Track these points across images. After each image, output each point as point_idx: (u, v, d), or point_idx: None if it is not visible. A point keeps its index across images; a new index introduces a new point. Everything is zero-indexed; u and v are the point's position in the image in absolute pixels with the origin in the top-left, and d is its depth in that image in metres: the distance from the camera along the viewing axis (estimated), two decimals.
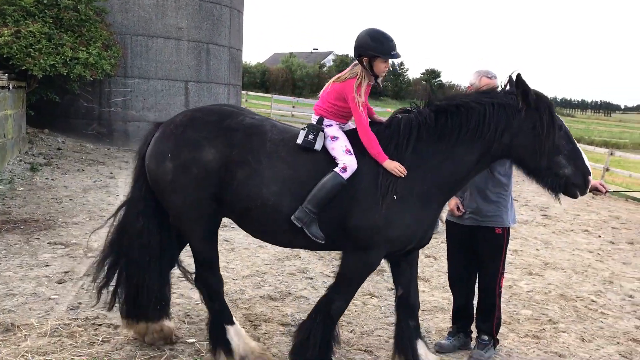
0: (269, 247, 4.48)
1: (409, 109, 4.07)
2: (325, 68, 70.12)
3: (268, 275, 6.46)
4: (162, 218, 4.21)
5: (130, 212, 4.25)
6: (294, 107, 31.65)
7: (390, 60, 4.00)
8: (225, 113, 4.08)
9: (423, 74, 79.11)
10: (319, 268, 6.84)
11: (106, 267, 4.31)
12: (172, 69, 15.95)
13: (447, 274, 5.29)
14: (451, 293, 5.15)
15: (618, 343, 5.40)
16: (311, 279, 6.45)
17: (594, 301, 6.60)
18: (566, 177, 3.84)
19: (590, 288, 7.09)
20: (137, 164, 4.24)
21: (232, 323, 4.23)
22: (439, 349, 4.85)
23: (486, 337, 4.81)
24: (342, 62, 69.50)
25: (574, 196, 3.93)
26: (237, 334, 4.20)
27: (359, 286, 4.14)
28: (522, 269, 7.61)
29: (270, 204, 3.82)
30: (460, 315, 5.03)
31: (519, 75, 3.78)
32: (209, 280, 4.18)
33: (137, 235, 4.16)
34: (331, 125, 4.01)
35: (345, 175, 3.76)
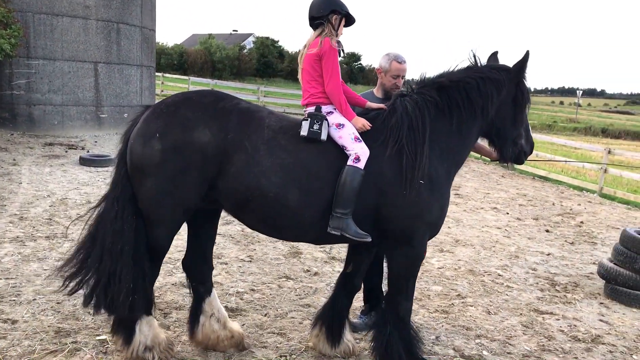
0: (180, 233, 4.28)
1: (405, 92, 4.08)
2: (246, 50, 69.22)
3: (180, 262, 6.29)
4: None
5: (108, 198, 3.90)
6: (212, 89, 30.84)
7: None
8: (220, 95, 3.90)
9: (344, 57, 79.55)
10: (234, 253, 6.74)
11: (80, 256, 3.91)
12: (79, 49, 15.14)
13: None
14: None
15: (521, 314, 5.67)
16: (226, 264, 6.35)
17: (500, 275, 6.90)
18: (521, 146, 4.14)
19: (497, 263, 7.41)
20: (121, 148, 3.88)
21: (148, 314, 4.01)
22: (352, 329, 4.90)
23: None
24: (262, 44, 68.85)
25: (522, 163, 4.27)
26: (149, 325, 4.02)
27: (415, 279, 4.05)
28: (434, 247, 7.84)
29: (271, 195, 3.64)
30: (372, 295, 5.10)
31: (494, 53, 4.16)
32: (149, 271, 3.90)
33: (111, 222, 3.79)
34: (332, 112, 3.92)
35: (361, 165, 3.66)
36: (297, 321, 5.00)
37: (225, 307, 5.04)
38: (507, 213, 10.84)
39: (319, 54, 3.89)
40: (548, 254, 8.11)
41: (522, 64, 3.99)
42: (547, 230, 9.68)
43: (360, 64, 79.63)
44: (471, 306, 5.76)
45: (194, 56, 61.53)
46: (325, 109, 3.93)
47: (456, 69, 4.05)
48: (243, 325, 4.77)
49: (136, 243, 3.77)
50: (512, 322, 5.45)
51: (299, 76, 4.10)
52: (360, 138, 3.77)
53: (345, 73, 75.49)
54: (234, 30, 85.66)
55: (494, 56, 4.16)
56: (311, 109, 3.93)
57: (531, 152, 4.21)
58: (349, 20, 4.08)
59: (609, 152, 14.93)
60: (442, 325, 5.19)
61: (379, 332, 4.08)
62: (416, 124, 3.82)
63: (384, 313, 4.08)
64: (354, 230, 3.66)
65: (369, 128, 3.87)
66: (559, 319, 5.63)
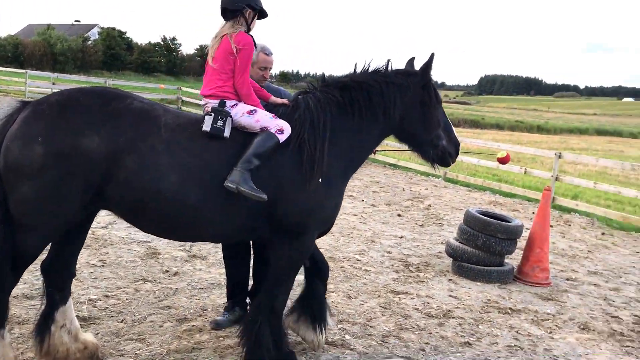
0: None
1: (308, 90, 4.08)
2: (90, 42, 65.02)
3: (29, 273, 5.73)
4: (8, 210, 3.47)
5: None
6: (54, 83, 28.56)
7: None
8: (109, 95, 3.61)
9: (197, 49, 77.82)
10: (84, 258, 6.27)
11: None
12: None
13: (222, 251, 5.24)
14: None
15: (379, 296, 5.92)
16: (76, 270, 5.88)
17: (358, 260, 7.15)
18: (443, 148, 4.15)
19: (355, 248, 7.68)
20: None
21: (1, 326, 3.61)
22: (215, 327, 4.79)
23: None
24: (108, 36, 65.11)
25: (448, 165, 4.27)
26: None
27: (296, 274, 4.04)
28: None
29: (169, 195, 3.49)
30: (237, 290, 5.02)
31: (411, 59, 4.14)
32: (9, 279, 3.53)
33: None
34: (237, 104, 3.82)
35: (282, 137, 3.68)
36: (157, 325, 4.77)
37: (77, 316, 4.67)
38: (363, 200, 11.28)
39: (236, 47, 3.81)
40: (401, 237, 8.56)
41: (426, 66, 4.06)
42: (399, 215, 10.22)
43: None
44: (333, 292, 5.89)
45: (31, 48, 56.50)
46: (229, 102, 3.84)
47: (362, 72, 4.09)
48: (97, 334, 4.46)
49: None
50: (371, 304, 5.67)
51: (209, 64, 3.95)
52: (278, 117, 3.80)
53: (199, 66, 73.95)
54: (76, 21, 79.95)
55: (410, 62, 4.21)
56: (214, 102, 3.82)
57: (457, 153, 4.26)
58: (262, 15, 4.06)
59: None
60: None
61: (249, 325, 4.00)
62: (317, 121, 3.84)
63: (257, 305, 4.02)
64: (250, 185, 3.55)
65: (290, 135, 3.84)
66: (413, 298, 5.96)
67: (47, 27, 62.24)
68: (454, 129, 4.26)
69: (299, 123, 3.84)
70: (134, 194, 3.49)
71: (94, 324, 4.70)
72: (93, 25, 75.24)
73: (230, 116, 3.74)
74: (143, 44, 71.01)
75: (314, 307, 4.46)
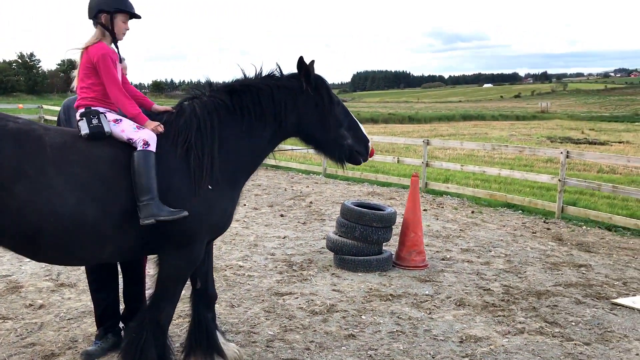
0: None
1: (192, 95, 3.93)
2: None
3: None
4: None
5: None
6: None
7: (128, 22, 3.84)
8: None
9: (59, 64, 73.32)
10: None
11: None
12: None
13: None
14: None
15: (263, 300, 5.82)
16: None
17: (241, 266, 7.01)
18: (350, 147, 4.08)
19: (237, 255, 7.52)
20: None
21: None
22: (87, 358, 4.45)
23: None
24: None
25: (358, 163, 4.18)
26: None
27: (184, 285, 3.87)
28: None
29: (67, 217, 3.28)
30: (107, 316, 4.70)
31: (300, 59, 3.91)
32: None
33: None
34: (104, 112, 3.66)
35: (152, 148, 3.51)
36: None
37: None
38: (245, 204, 11.12)
39: (92, 61, 3.65)
40: (284, 237, 8.53)
41: (306, 70, 3.93)
42: (282, 215, 10.20)
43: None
44: (215, 303, 5.70)
45: None
46: (100, 109, 3.64)
47: (253, 76, 3.99)
48: None
49: None
50: (255, 310, 5.56)
51: (75, 77, 3.80)
52: (142, 127, 3.63)
53: (63, 82, 69.65)
54: None
55: (311, 65, 4.01)
56: (80, 111, 3.68)
57: (367, 150, 4.16)
58: (132, 15, 3.81)
59: None
60: (186, 331, 5.03)
61: (133, 341, 3.76)
62: (204, 126, 3.70)
63: (142, 318, 3.80)
64: (166, 210, 3.44)
65: (162, 130, 3.69)
66: (297, 297, 5.93)
67: None
68: (362, 126, 4.19)
69: (185, 129, 3.71)
70: (30, 221, 3.24)
71: None
72: None
73: (102, 113, 3.64)
74: None
75: (205, 336, 4.27)
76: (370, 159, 4.27)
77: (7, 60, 66.17)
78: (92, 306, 5.46)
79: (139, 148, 3.52)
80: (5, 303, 5.64)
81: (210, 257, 4.35)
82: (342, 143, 4.07)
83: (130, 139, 3.57)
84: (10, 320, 5.23)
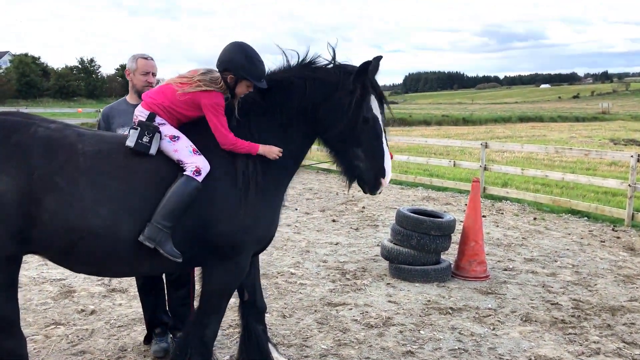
0: None
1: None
2: (2, 70, 61.92)
3: None
4: None
5: None
6: None
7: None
8: (10, 126, 3.12)
9: (118, 69, 75.58)
10: None
11: None
12: None
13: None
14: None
15: (315, 311, 5.59)
16: None
17: (293, 274, 6.80)
18: (360, 170, 3.58)
19: (289, 261, 7.32)
20: None
21: None
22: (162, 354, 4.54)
23: None
24: (21, 63, 62.19)
25: (363, 190, 3.69)
26: None
27: (228, 301, 3.69)
28: None
29: (101, 231, 3.12)
30: (157, 321, 4.65)
31: (365, 64, 3.39)
32: (7, 345, 3.12)
33: None
34: (164, 123, 3.41)
35: (200, 179, 3.28)
36: None
37: None
38: (296, 209, 10.95)
39: (197, 101, 3.40)
40: (336, 244, 8.28)
41: (366, 67, 3.39)
42: (334, 220, 9.96)
43: None
44: (266, 313, 5.50)
45: None
46: (159, 119, 3.40)
47: (292, 66, 3.58)
48: None
49: None
50: (307, 321, 5.33)
51: (170, 83, 3.50)
52: (199, 151, 3.37)
53: (121, 86, 71.82)
54: None
55: (375, 65, 3.55)
56: (144, 113, 3.40)
57: (376, 182, 3.58)
58: (257, 82, 3.43)
59: None
60: (236, 342, 4.85)
61: (177, 358, 3.64)
62: (243, 132, 3.46)
63: (186, 337, 3.66)
64: (170, 247, 3.23)
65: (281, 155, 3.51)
66: (351, 309, 5.66)
67: None
68: (387, 157, 3.58)
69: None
70: (61, 234, 3.10)
71: None
72: (3, 53, 71.77)
73: (159, 132, 3.35)
74: (59, 69, 68.28)
75: (257, 354, 4.08)
76: (378, 192, 3.67)
77: (69, 66, 68.65)
78: (142, 313, 5.43)
79: (187, 172, 3.29)
80: (58, 308, 5.62)
81: (256, 269, 4.14)
82: (353, 162, 3.59)
83: (181, 161, 3.34)
84: (62, 326, 5.18)
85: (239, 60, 3.38)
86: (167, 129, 3.41)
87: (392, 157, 3.77)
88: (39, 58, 66.96)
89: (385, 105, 3.63)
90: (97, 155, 3.23)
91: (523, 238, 8.87)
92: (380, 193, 3.69)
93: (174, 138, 3.38)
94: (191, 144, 3.40)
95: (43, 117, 3.43)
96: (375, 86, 3.55)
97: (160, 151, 3.36)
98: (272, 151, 3.49)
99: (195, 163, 3.31)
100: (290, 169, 3.72)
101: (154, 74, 4.51)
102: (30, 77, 61.41)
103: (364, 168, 3.57)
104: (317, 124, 3.57)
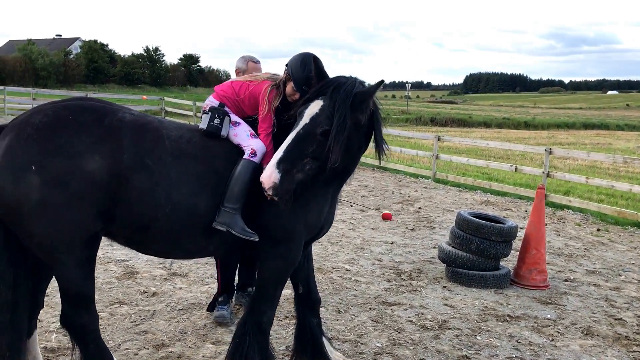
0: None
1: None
2: (72, 55, 64.40)
3: None
4: (15, 252, 3.26)
5: None
6: (34, 99, 27.99)
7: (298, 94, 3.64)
8: (100, 110, 3.31)
9: (181, 59, 77.33)
10: (56, 282, 5.91)
11: None
12: None
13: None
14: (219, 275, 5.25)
15: (370, 309, 5.60)
16: (46, 295, 5.51)
17: (348, 270, 6.82)
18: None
19: (344, 257, 7.35)
20: None
21: None
22: (221, 320, 5.04)
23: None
24: (90, 49, 64.51)
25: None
26: None
27: (284, 286, 3.81)
28: None
29: (182, 207, 3.34)
30: (230, 286, 5.25)
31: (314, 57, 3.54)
32: (82, 320, 3.33)
33: None
34: (229, 112, 3.71)
35: (257, 160, 3.50)
36: (132, 352, 4.43)
37: (45, 347, 4.34)
38: (351, 205, 10.97)
39: (256, 94, 3.71)
40: (392, 243, 8.25)
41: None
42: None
43: (199, 66, 77.96)
44: (321, 307, 5.54)
45: (12, 64, 55.81)
46: (227, 109, 3.70)
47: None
48: None
49: (16, 303, 3.26)
50: (362, 318, 5.34)
51: (240, 78, 3.92)
52: (256, 135, 3.61)
53: (184, 76, 73.49)
54: (57, 35, 79.37)
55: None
56: (215, 102, 3.73)
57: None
58: (295, 85, 3.65)
59: (439, 139, 15.84)
60: (292, 333, 4.91)
61: (237, 346, 3.74)
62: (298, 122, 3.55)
63: (244, 322, 3.77)
64: (240, 227, 3.43)
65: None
66: (407, 309, 5.64)
67: (28, 43, 61.48)
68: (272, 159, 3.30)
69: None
70: (146, 212, 3.28)
71: (64, 355, 4.34)
72: (75, 39, 74.66)
73: (229, 115, 3.63)
74: (126, 56, 70.43)
75: (311, 344, 4.19)
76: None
77: (135, 54, 70.72)
78: (202, 298, 5.63)
79: (245, 156, 3.51)
80: (122, 288, 5.84)
81: (310, 262, 4.25)
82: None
83: (240, 145, 3.59)
84: (126, 305, 5.39)
85: (293, 61, 3.65)
86: (232, 116, 3.69)
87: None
88: (107, 45, 69.24)
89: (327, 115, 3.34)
90: (180, 139, 3.46)
91: (585, 249, 8.59)
92: (271, 195, 3.26)
93: (235, 124, 3.66)
94: (249, 128, 3.65)
95: (124, 105, 3.62)
96: (320, 88, 3.43)
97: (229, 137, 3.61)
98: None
99: (251, 145, 3.54)
100: (343, 163, 3.58)
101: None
102: (98, 62, 63.53)
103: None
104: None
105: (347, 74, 3.58)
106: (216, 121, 3.56)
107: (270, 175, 3.19)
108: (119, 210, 3.24)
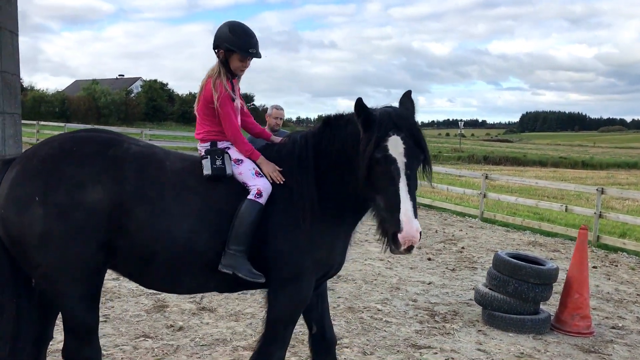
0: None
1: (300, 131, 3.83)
2: (133, 94, 67.27)
3: None
4: (21, 284, 3.31)
5: None
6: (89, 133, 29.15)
7: (249, 60, 3.69)
8: (105, 141, 3.37)
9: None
10: None
11: None
12: None
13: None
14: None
15: (398, 351, 5.38)
16: None
17: (379, 310, 6.62)
18: (379, 222, 3.26)
19: (377, 297, 7.15)
20: None
21: None
22: None
23: None
24: (150, 88, 67.21)
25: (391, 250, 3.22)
26: None
27: (294, 325, 3.70)
28: None
29: (181, 243, 3.30)
30: None
31: (359, 100, 3.21)
32: (84, 353, 3.32)
33: None
34: (229, 147, 3.65)
35: (262, 200, 3.41)
36: None
37: None
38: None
39: (206, 98, 3.65)
40: (429, 283, 7.99)
41: (359, 101, 3.24)
42: (429, 259, 9.64)
43: (253, 104, 79.89)
44: (347, 347, 5.39)
45: (77, 103, 58.78)
46: (221, 144, 3.63)
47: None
48: None
49: (19, 336, 3.25)
50: None
51: (195, 106, 3.80)
52: (261, 172, 3.53)
53: None
54: (120, 75, 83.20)
55: (406, 96, 3.46)
56: (206, 144, 3.65)
57: (394, 241, 3.06)
58: (242, 53, 3.61)
59: (486, 177, 15.47)
60: None
61: None
62: (305, 156, 3.55)
63: None
64: (246, 269, 3.35)
65: (278, 175, 3.54)
66: (436, 353, 5.39)
67: (92, 82, 64.69)
68: (405, 209, 3.05)
69: (287, 157, 3.59)
70: (146, 244, 3.27)
71: None
72: (136, 79, 78.01)
73: (227, 152, 3.57)
74: (184, 95, 72.96)
75: None
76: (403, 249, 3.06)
77: (193, 93, 73.30)
78: (227, 334, 5.56)
79: (251, 195, 3.42)
80: (149, 321, 5.84)
81: (324, 301, 4.08)
82: (378, 212, 3.25)
83: (245, 184, 3.51)
84: (150, 339, 5.37)
85: (224, 33, 3.57)
86: (232, 153, 3.61)
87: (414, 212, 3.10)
88: (166, 84, 72.15)
89: (415, 146, 3.19)
90: (182, 172, 3.43)
91: (638, 294, 8.07)
92: (405, 253, 3.06)
93: (238, 161, 3.57)
94: (254, 166, 3.56)
95: (131, 136, 3.66)
96: (385, 124, 3.17)
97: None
98: (269, 169, 3.53)
99: (257, 185, 3.45)
100: (354, 202, 3.51)
101: (281, 118, 6.92)
102: (157, 101, 66.17)
103: (381, 220, 3.22)
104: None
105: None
106: (218, 162, 3.49)
107: (418, 229, 2.97)
108: (121, 241, 3.24)
